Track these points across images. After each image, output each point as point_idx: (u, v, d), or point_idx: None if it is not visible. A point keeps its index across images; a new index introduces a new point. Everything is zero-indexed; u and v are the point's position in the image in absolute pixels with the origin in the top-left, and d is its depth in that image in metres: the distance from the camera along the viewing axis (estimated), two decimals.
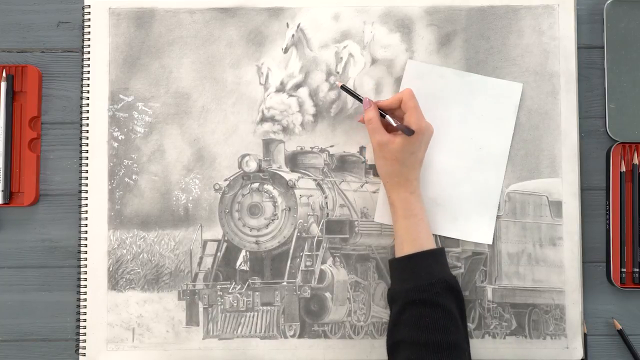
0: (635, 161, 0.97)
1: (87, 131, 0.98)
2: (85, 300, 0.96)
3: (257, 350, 0.95)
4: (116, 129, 0.98)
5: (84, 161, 0.98)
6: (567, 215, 0.96)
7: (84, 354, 0.96)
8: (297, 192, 0.97)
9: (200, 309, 0.96)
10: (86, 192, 0.97)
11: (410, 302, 0.85)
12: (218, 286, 0.96)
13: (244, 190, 0.97)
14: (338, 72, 0.99)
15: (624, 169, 0.98)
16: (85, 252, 0.97)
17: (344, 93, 0.97)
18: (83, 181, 0.97)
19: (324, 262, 0.96)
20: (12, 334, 0.98)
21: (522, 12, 0.98)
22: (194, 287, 0.96)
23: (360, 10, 0.99)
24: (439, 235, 0.96)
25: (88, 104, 0.98)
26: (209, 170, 0.98)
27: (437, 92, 0.97)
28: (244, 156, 0.98)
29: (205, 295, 0.96)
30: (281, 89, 0.99)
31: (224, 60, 0.99)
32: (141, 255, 0.97)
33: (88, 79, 0.98)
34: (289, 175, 0.97)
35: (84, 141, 0.98)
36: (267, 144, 0.98)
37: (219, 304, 0.96)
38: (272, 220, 0.97)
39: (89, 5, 0.99)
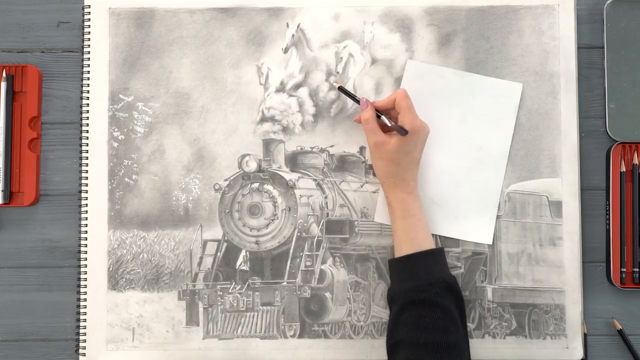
0: (635, 161, 0.97)
1: (87, 131, 0.98)
2: (85, 300, 0.96)
3: (257, 350, 0.95)
4: (116, 129, 0.98)
5: (84, 161, 0.98)
6: (567, 215, 0.96)
7: (84, 354, 0.96)
8: (297, 192, 0.97)
9: (200, 309, 0.96)
10: (86, 192, 0.97)
11: (409, 302, 0.85)
12: (218, 286, 0.96)
13: (244, 190, 0.97)
14: (338, 72, 0.99)
15: (624, 169, 0.98)
16: (85, 252, 0.97)
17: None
18: (83, 181, 0.97)
19: (324, 262, 0.96)
20: (12, 334, 0.98)
21: (522, 12, 0.98)
22: (194, 287, 0.96)
23: (360, 10, 0.99)
24: (439, 235, 0.96)
25: (88, 104, 0.98)
26: (209, 170, 0.98)
27: (437, 92, 0.97)
28: (244, 156, 0.98)
29: (205, 295, 0.96)
30: (281, 89, 0.99)
31: (224, 60, 0.99)
32: (141, 255, 0.97)
33: (88, 79, 0.98)
34: (289, 175, 0.97)
35: (84, 141, 0.98)
36: (267, 144, 0.98)
37: (219, 304, 0.96)
38: (272, 220, 0.97)
39: (89, 5, 0.99)
